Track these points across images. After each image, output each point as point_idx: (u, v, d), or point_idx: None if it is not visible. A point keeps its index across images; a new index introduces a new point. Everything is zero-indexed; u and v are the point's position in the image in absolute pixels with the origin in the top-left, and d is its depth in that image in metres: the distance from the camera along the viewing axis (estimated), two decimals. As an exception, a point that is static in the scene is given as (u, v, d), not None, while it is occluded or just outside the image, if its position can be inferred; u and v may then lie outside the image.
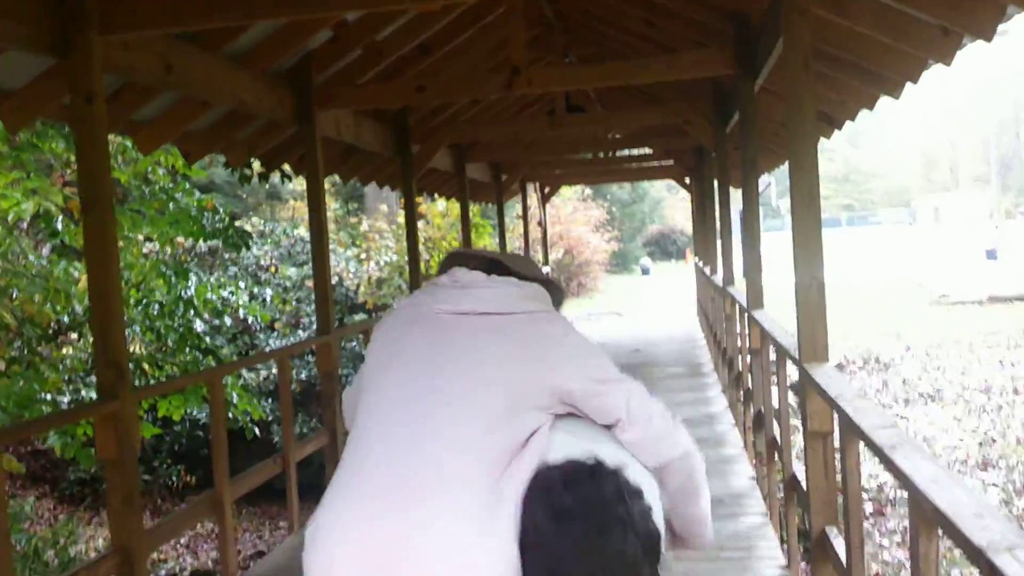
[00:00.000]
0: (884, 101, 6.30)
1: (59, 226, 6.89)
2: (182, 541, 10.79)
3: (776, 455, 5.75)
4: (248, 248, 9.92)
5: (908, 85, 5.75)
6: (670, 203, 49.20)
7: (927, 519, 2.28)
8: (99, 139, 4.02)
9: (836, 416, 3.47)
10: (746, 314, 6.84)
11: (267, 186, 19.57)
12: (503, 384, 1.83)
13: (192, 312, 8.47)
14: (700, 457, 2.12)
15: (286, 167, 7.87)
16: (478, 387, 1.82)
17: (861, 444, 3.06)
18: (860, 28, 5.10)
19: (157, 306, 8.52)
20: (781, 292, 7.03)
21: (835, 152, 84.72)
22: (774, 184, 44.45)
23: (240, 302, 10.09)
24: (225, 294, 9.73)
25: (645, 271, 40.71)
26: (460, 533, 1.65)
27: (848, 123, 7.32)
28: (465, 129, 9.73)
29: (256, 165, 7.89)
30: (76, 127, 4.00)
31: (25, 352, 8.13)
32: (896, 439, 2.75)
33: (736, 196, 8.68)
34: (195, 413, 10.42)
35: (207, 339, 8.99)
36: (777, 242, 15.94)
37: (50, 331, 8.23)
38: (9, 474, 11.10)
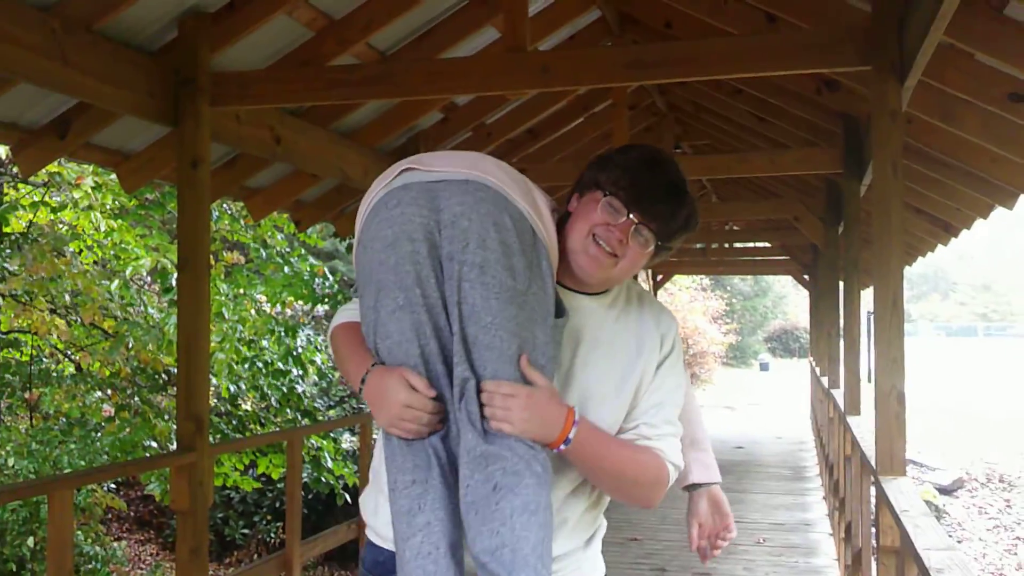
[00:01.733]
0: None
1: (173, 282, 7.27)
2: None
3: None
4: (354, 315, 10.22)
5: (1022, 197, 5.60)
6: (794, 299, 48.08)
7: (957, 652, 2.16)
8: (201, 202, 4.26)
9: (900, 532, 3.32)
10: (843, 419, 6.63)
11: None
12: None
13: (300, 369, 8.72)
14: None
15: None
16: None
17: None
18: (968, 135, 4.99)
19: (262, 364, 8.81)
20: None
21: (974, 259, 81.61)
22: (906, 287, 42.91)
23: (348, 366, 10.31)
24: (334, 355, 10.01)
25: (764, 367, 39.64)
26: None
27: (991, 231, 7.12)
28: (572, 213, 9.83)
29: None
30: (181, 191, 4.26)
31: (136, 399, 8.50)
32: (947, 563, 2.63)
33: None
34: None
35: (306, 400, 9.22)
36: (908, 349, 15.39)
37: (161, 381, 8.59)
38: (116, 515, 11.55)
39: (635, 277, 1.99)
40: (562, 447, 1.65)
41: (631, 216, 1.73)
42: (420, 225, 1.59)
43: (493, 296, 1.57)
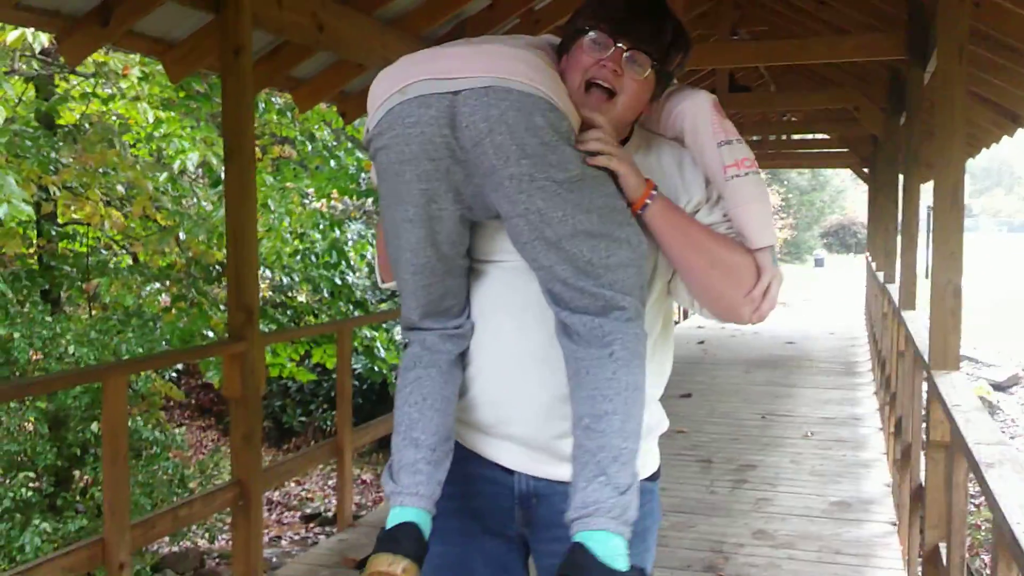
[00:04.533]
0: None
1: (222, 174, 7.29)
2: (330, 484, 11.28)
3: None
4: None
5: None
6: (852, 194, 47.14)
7: (1006, 545, 2.13)
8: (245, 92, 4.22)
9: (951, 427, 3.28)
10: (897, 314, 6.53)
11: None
12: None
13: (345, 263, 8.77)
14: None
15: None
16: None
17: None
18: (1041, 18, 4.75)
19: (314, 257, 8.88)
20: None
21: (1042, 151, 78.83)
22: (968, 181, 41.88)
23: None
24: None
25: (819, 262, 39.18)
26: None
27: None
28: (623, 103, 9.62)
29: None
30: (224, 79, 4.21)
31: (192, 291, 8.66)
32: (998, 457, 2.59)
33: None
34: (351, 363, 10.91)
35: (357, 292, 9.30)
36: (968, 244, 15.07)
37: (215, 273, 8.72)
38: (177, 403, 11.92)
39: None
40: (648, 202, 1.65)
41: (619, 45, 1.64)
42: (441, 144, 1.54)
43: (553, 194, 1.55)
